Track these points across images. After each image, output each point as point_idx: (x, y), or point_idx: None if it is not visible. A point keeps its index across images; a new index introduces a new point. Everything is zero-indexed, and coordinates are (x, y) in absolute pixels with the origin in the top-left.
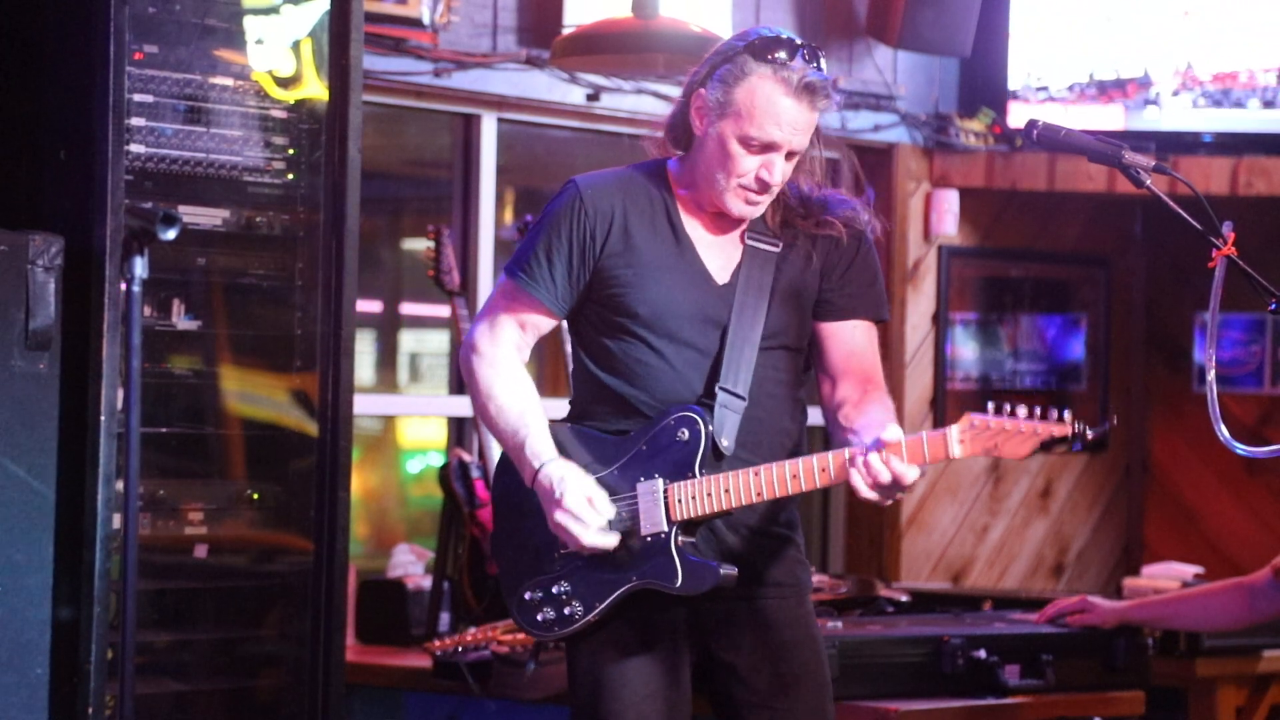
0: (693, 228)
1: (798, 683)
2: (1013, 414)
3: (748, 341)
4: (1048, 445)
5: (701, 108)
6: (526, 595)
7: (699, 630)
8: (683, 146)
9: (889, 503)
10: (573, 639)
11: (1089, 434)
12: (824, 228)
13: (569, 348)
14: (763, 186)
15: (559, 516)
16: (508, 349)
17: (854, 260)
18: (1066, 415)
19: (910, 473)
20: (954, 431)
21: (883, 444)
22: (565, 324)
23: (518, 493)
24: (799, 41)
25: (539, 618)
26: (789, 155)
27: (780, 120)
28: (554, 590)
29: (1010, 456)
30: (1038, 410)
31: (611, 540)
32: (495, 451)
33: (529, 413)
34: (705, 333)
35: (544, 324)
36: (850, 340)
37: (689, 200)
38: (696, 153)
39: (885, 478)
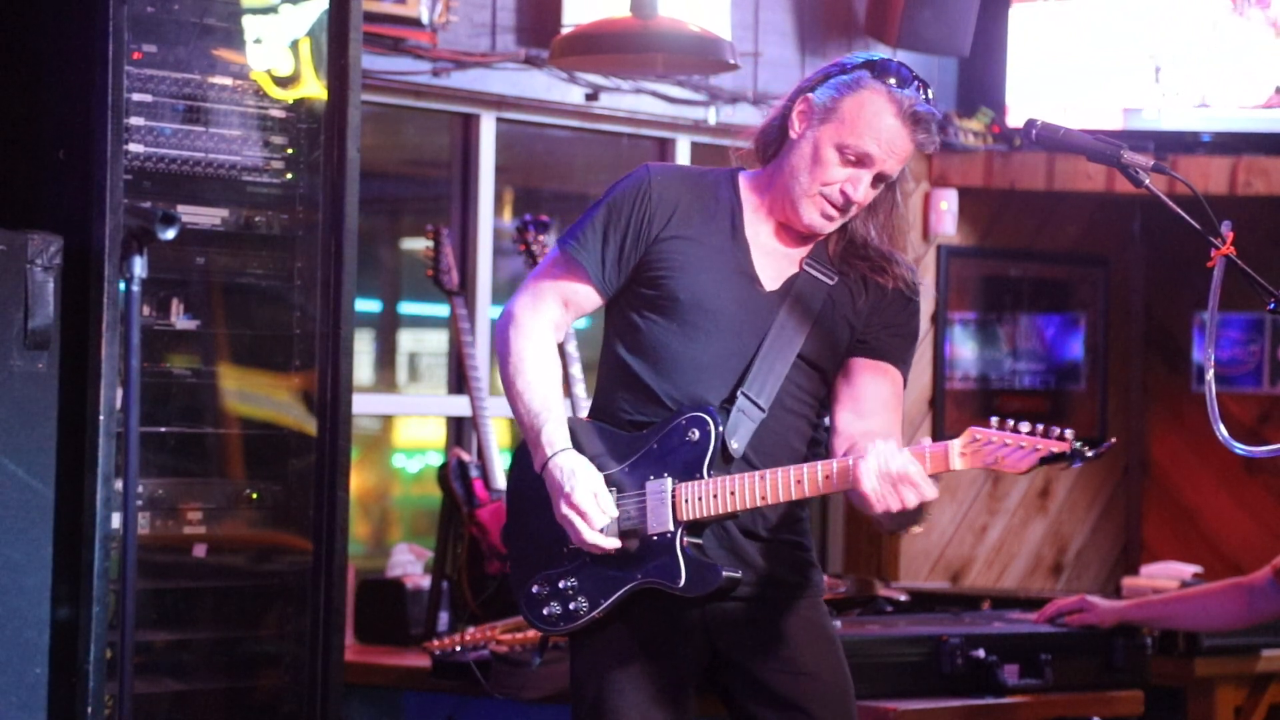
0: (753, 234)
1: (813, 682)
2: (1015, 428)
3: (781, 356)
4: (1047, 461)
5: (806, 110)
6: (534, 589)
7: (709, 632)
8: (767, 157)
9: (905, 529)
10: (576, 638)
11: (1088, 452)
12: (879, 274)
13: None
14: (844, 201)
15: (564, 510)
16: (545, 325)
17: (900, 315)
18: (1068, 434)
19: (913, 469)
20: (955, 445)
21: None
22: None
23: (531, 485)
24: (917, 75)
25: (545, 612)
26: (876, 179)
27: (880, 136)
28: (560, 585)
29: (1010, 471)
30: (1039, 426)
31: (611, 543)
32: (494, 451)
33: (551, 398)
34: (740, 334)
35: (586, 301)
36: (879, 379)
37: (757, 208)
38: (785, 156)
39: (893, 466)
